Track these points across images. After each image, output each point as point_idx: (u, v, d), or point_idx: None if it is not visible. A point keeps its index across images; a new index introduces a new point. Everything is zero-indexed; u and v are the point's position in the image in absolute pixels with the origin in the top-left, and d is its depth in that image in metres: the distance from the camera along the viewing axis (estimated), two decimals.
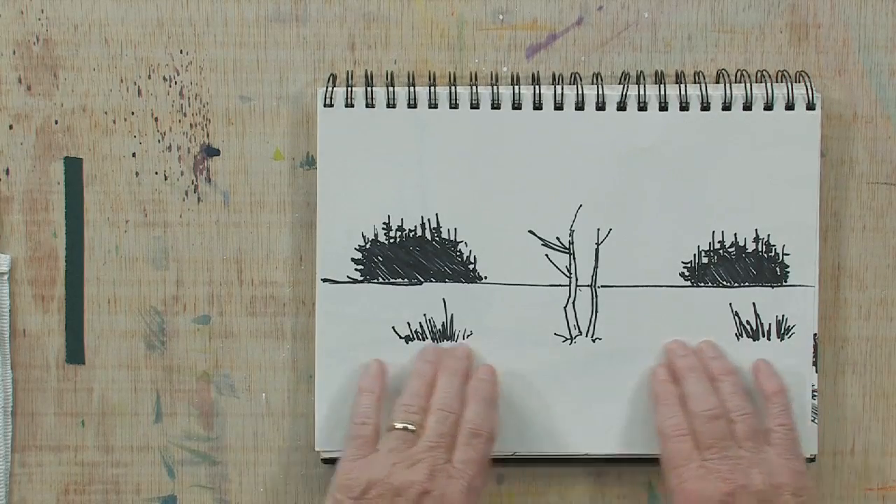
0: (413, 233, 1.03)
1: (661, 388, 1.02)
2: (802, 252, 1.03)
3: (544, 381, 1.03)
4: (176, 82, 1.04)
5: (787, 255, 1.03)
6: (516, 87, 1.02)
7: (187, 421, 1.05)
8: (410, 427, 0.97)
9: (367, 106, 1.02)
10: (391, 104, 1.02)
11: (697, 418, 0.98)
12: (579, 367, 1.03)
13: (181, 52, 1.04)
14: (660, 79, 1.03)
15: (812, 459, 1.04)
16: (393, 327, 1.03)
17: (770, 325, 1.03)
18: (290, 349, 1.05)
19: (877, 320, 1.06)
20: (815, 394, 1.04)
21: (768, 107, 1.02)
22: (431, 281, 1.03)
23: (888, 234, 1.06)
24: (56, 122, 1.04)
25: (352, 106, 1.02)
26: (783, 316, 1.03)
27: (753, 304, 1.03)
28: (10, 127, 1.04)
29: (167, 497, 1.06)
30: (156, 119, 1.05)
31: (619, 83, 1.03)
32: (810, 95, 1.02)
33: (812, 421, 1.03)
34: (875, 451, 1.07)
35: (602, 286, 1.03)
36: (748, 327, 1.03)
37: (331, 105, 1.02)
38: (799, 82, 1.03)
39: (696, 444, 0.98)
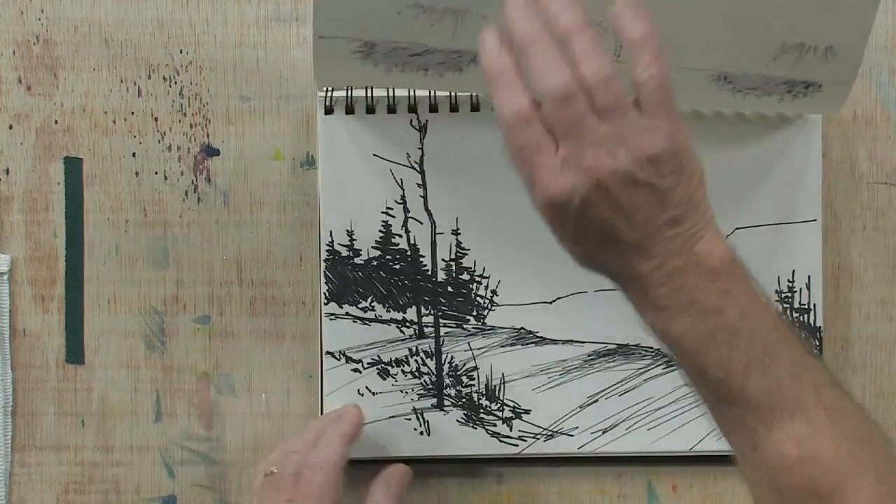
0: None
1: (493, 64, 0.82)
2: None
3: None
4: (176, 82, 1.04)
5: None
6: None
7: (187, 421, 1.05)
8: (272, 470, 0.97)
9: (367, 112, 1.02)
10: (392, 109, 1.02)
11: (545, 100, 0.80)
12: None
13: (181, 52, 1.04)
14: None
15: None
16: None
17: None
18: (290, 349, 1.05)
19: (877, 320, 1.06)
20: None
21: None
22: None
23: (888, 234, 1.06)
24: (56, 122, 1.04)
25: (352, 112, 1.02)
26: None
27: None
28: (10, 127, 1.04)
29: (167, 497, 1.06)
30: (156, 119, 1.05)
31: None
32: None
33: None
34: None
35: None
36: None
37: (331, 111, 1.02)
38: None
39: (548, 126, 0.80)
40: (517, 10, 0.81)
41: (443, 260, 1.03)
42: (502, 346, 1.03)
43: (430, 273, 1.03)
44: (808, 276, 1.03)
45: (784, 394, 0.81)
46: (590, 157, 0.79)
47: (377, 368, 1.03)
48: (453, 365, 1.03)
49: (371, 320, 1.03)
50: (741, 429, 0.82)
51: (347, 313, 1.03)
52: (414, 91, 1.02)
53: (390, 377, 1.03)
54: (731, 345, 0.81)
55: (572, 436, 1.04)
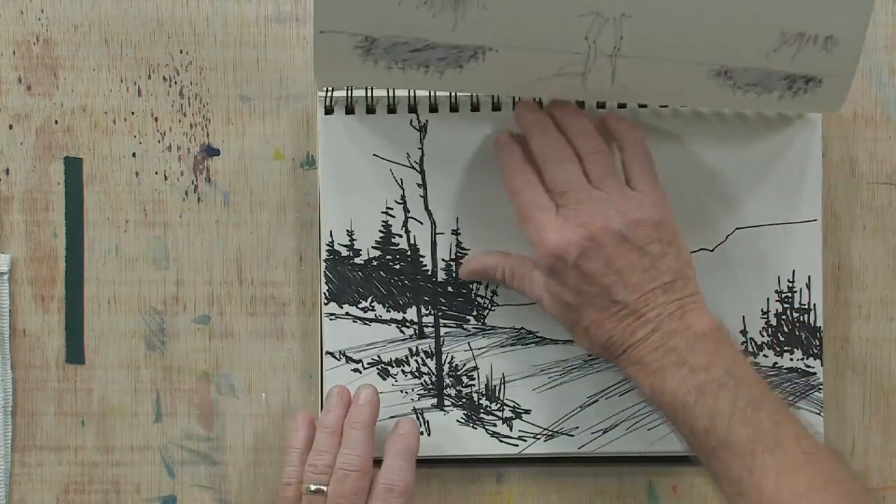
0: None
1: (503, 153, 0.98)
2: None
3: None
4: (176, 82, 1.04)
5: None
6: None
7: (187, 421, 1.05)
8: (320, 488, 0.97)
9: (367, 112, 1.02)
10: (392, 109, 1.02)
11: (545, 167, 0.95)
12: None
13: (181, 52, 1.04)
14: None
15: None
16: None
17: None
18: (290, 349, 1.05)
19: (877, 320, 1.06)
20: (822, 387, 1.04)
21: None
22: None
23: (888, 234, 1.06)
24: (56, 122, 1.04)
25: (352, 112, 1.02)
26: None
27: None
28: (10, 127, 1.04)
29: (167, 497, 1.06)
30: (156, 119, 1.05)
31: None
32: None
33: (819, 413, 1.03)
34: (875, 451, 1.07)
35: None
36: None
37: (331, 111, 1.02)
38: None
39: (550, 194, 0.95)
40: (525, 107, 0.98)
41: (443, 260, 1.03)
42: (502, 346, 1.03)
43: (430, 273, 1.03)
44: (808, 276, 1.03)
45: (765, 437, 0.89)
46: (585, 214, 0.93)
47: (377, 368, 1.03)
48: (453, 365, 1.03)
49: (371, 320, 1.03)
50: (729, 479, 0.89)
51: (347, 313, 1.03)
52: (414, 91, 1.02)
53: (390, 377, 1.03)
54: (717, 396, 0.90)
55: (572, 436, 1.04)
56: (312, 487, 0.97)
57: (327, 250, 1.03)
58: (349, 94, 1.02)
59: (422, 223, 1.03)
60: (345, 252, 1.03)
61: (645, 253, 0.93)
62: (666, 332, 0.92)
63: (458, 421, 1.04)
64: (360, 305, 1.03)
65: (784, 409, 0.91)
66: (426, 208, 1.03)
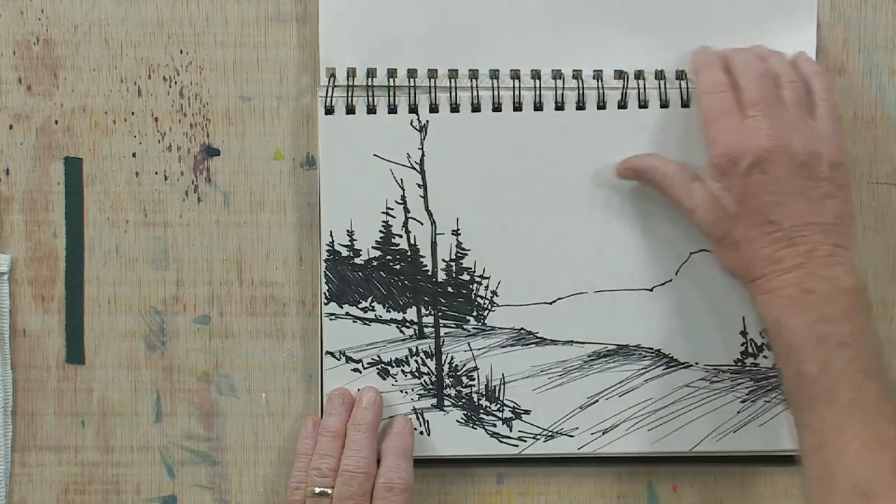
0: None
1: (701, 57, 1.00)
2: None
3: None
4: (176, 82, 1.04)
5: None
6: (517, 87, 1.02)
7: (187, 421, 1.05)
8: (325, 490, 0.98)
9: (368, 112, 1.02)
10: (392, 109, 1.02)
11: (744, 77, 0.97)
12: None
13: (181, 52, 1.04)
14: (660, 75, 1.03)
15: None
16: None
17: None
18: (290, 349, 1.05)
19: (877, 320, 1.06)
20: None
21: None
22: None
23: (888, 234, 1.06)
24: (56, 122, 1.04)
25: (352, 112, 1.02)
26: None
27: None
28: (10, 127, 1.04)
29: (167, 497, 1.06)
30: (156, 119, 1.05)
31: (617, 78, 1.02)
32: None
33: None
34: None
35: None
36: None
37: (331, 111, 1.02)
38: None
39: (740, 102, 0.96)
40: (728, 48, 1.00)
41: (443, 260, 1.03)
42: (502, 347, 1.03)
43: (430, 273, 1.03)
44: None
45: (866, 407, 0.89)
46: (770, 128, 0.93)
47: (377, 368, 1.03)
48: (453, 365, 1.03)
49: (371, 320, 1.03)
50: (813, 431, 0.90)
51: (347, 313, 1.03)
52: (414, 91, 1.02)
53: (390, 377, 1.03)
54: (835, 352, 0.90)
55: (572, 436, 1.04)
56: (317, 490, 0.98)
57: (327, 250, 1.03)
58: (349, 94, 1.02)
59: (422, 223, 1.03)
60: (345, 252, 1.03)
61: (816, 186, 0.94)
62: (809, 273, 0.92)
63: (457, 421, 1.04)
64: (360, 305, 1.03)
65: (892, 392, 0.91)
66: (426, 209, 1.03)
